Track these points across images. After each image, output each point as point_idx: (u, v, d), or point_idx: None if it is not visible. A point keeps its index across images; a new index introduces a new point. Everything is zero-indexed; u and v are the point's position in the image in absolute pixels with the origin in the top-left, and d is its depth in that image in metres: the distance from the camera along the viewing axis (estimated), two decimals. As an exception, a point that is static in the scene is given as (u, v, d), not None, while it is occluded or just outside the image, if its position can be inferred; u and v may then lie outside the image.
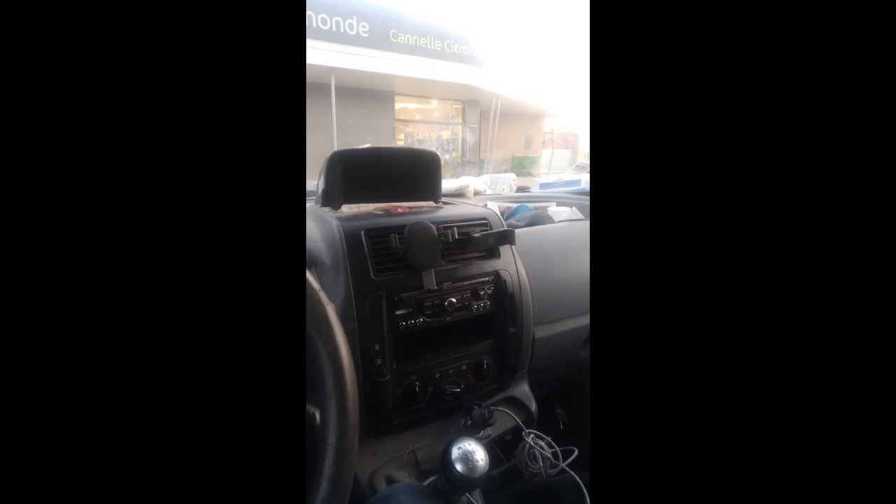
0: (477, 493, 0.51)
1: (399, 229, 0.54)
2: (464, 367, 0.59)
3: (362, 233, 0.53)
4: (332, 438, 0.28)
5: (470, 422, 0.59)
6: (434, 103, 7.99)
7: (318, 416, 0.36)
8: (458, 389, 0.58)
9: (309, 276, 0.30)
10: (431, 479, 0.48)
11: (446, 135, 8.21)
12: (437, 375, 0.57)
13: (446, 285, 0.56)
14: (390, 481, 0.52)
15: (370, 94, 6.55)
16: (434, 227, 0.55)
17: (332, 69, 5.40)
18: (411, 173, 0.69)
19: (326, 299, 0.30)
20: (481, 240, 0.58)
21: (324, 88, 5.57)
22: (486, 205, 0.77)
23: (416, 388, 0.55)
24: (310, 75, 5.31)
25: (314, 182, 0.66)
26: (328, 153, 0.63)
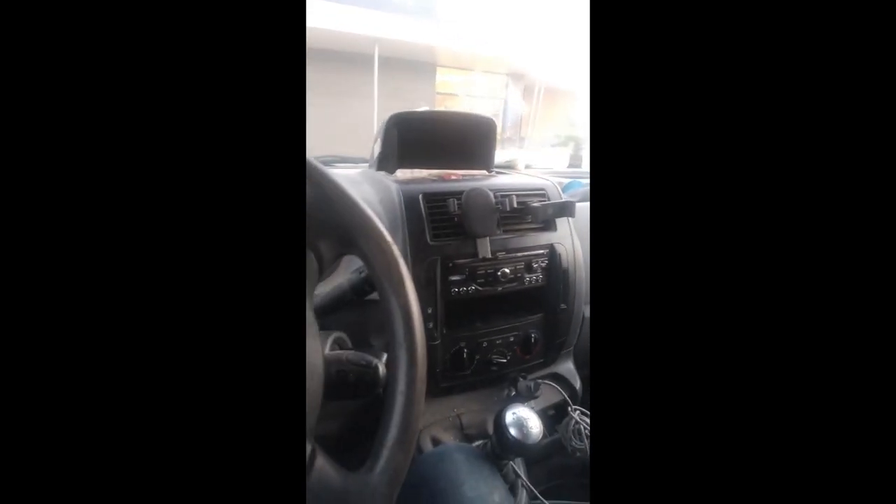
0: (520, 461, 0.52)
1: (457, 194, 0.53)
2: (511, 339, 0.59)
3: (420, 196, 0.53)
4: (401, 387, 0.28)
5: (514, 392, 0.59)
6: (476, 76, 7.74)
7: (381, 368, 0.37)
8: (505, 360, 0.58)
9: (383, 228, 0.30)
10: (480, 442, 0.49)
11: (488, 110, 8.00)
12: (485, 344, 0.57)
13: (500, 255, 0.55)
14: (436, 442, 0.53)
15: (411, 65, 6.43)
16: (492, 195, 0.53)
17: (375, 40, 5.33)
18: (466, 139, 0.67)
19: (399, 252, 0.30)
20: (540, 210, 0.56)
21: (364, 58, 5.53)
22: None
23: (464, 355, 0.55)
24: (349, 45, 5.28)
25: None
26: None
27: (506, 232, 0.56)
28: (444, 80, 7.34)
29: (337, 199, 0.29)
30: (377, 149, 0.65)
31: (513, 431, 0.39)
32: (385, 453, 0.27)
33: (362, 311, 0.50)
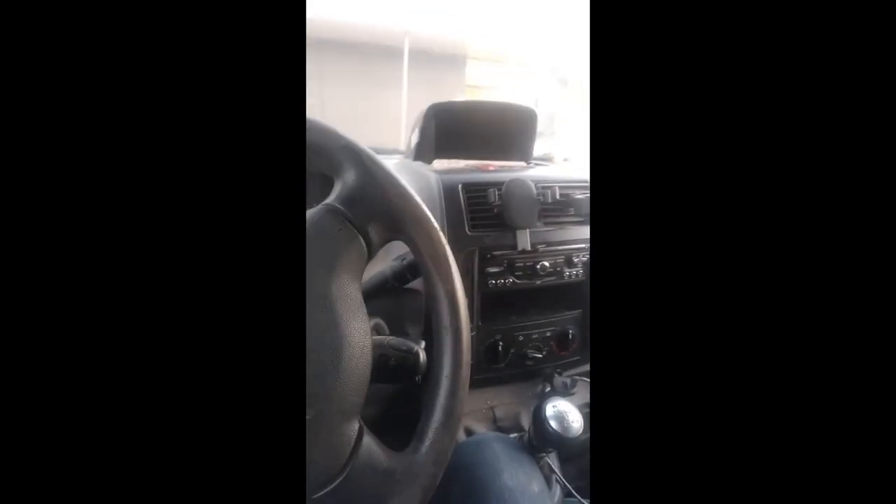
0: (554, 457, 0.51)
1: (497, 185, 0.52)
2: (548, 334, 0.57)
3: (460, 186, 0.52)
4: (447, 371, 0.28)
5: (549, 388, 0.58)
6: (508, 69, 7.64)
7: (422, 355, 0.37)
8: (540, 355, 0.57)
9: (431, 215, 0.30)
10: (515, 434, 0.48)
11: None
12: (521, 338, 0.56)
13: (540, 248, 0.54)
14: (469, 433, 0.53)
15: (440, 57, 6.40)
16: (533, 186, 0.52)
17: (405, 32, 5.35)
18: (505, 130, 0.66)
19: (445, 240, 0.30)
20: (583, 203, 0.54)
21: (394, 51, 5.55)
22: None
23: (499, 348, 0.54)
24: (379, 37, 5.30)
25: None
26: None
27: (546, 224, 0.55)
28: (475, 72, 7.27)
29: (388, 184, 0.29)
30: (415, 139, 0.65)
31: (553, 424, 0.38)
32: (430, 435, 0.27)
33: (399, 299, 0.50)
